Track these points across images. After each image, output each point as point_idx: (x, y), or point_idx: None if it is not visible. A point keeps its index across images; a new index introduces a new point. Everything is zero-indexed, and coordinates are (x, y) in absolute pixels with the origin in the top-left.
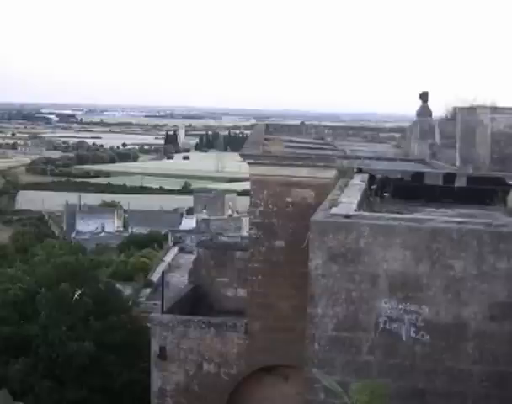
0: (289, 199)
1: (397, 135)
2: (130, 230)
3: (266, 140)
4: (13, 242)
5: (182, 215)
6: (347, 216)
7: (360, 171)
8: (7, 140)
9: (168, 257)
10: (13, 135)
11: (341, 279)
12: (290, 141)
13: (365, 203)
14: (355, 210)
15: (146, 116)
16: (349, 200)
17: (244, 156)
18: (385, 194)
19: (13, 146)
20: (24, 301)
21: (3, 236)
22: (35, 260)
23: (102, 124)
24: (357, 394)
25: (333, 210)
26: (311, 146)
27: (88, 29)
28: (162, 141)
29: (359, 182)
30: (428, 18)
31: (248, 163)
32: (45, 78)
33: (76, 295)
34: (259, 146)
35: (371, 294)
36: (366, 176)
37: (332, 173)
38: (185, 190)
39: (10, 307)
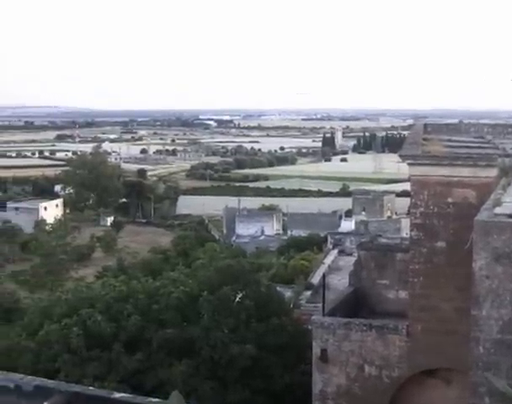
0: (450, 200)
1: None
2: (289, 233)
3: (425, 140)
4: (175, 246)
5: (341, 218)
6: (511, 216)
7: None
8: (167, 147)
9: (328, 260)
10: (173, 141)
11: (506, 281)
12: (449, 141)
13: None
14: None
15: (303, 119)
16: None
17: (404, 157)
18: None
19: (173, 152)
20: (186, 304)
21: (165, 241)
22: (197, 263)
23: (259, 128)
24: None
25: (497, 210)
26: (470, 144)
27: (241, 37)
28: (319, 144)
29: None
30: None
31: (408, 164)
32: (203, 85)
33: (237, 298)
34: (418, 146)
35: None
36: None
37: (493, 172)
38: (344, 192)
39: (173, 310)
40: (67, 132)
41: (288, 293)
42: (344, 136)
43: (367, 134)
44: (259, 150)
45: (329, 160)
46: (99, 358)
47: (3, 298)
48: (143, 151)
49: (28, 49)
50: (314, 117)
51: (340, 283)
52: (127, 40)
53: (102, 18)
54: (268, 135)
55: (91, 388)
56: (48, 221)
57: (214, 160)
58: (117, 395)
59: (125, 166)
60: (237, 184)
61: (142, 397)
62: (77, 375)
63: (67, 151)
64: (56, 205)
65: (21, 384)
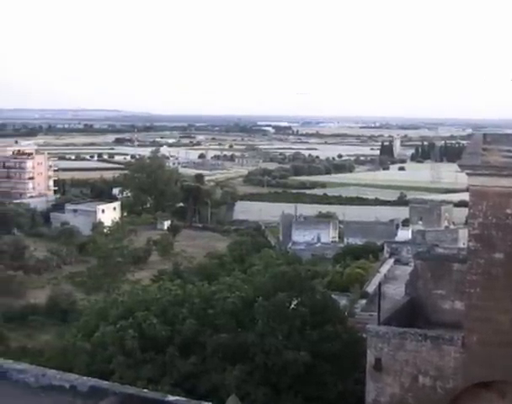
0: (509, 211)
1: None
2: (345, 240)
3: (484, 150)
4: (231, 252)
5: (397, 226)
6: None
7: None
8: (225, 152)
9: (384, 269)
10: (231, 146)
11: None
12: (509, 151)
13: None
14: None
15: (361, 127)
16: None
17: (463, 167)
18: None
19: (231, 158)
20: (241, 310)
21: (221, 246)
22: (253, 269)
23: (317, 135)
24: None
25: None
26: None
27: (300, 44)
28: (377, 152)
29: None
30: None
31: (467, 174)
32: (262, 92)
33: (292, 305)
34: (478, 156)
35: None
36: None
37: None
38: (401, 201)
39: (228, 315)
40: (126, 136)
41: (343, 301)
42: (402, 145)
43: (426, 143)
44: (317, 157)
45: (387, 168)
46: (154, 361)
47: (60, 299)
48: (201, 156)
49: (90, 54)
50: (372, 125)
51: (396, 292)
52: (188, 45)
53: (162, 24)
54: (326, 143)
55: (145, 390)
56: (105, 224)
57: (271, 166)
58: (171, 398)
59: (182, 170)
60: (294, 191)
61: (196, 401)
62: (131, 377)
63: (126, 154)
64: (114, 208)
65: (76, 384)
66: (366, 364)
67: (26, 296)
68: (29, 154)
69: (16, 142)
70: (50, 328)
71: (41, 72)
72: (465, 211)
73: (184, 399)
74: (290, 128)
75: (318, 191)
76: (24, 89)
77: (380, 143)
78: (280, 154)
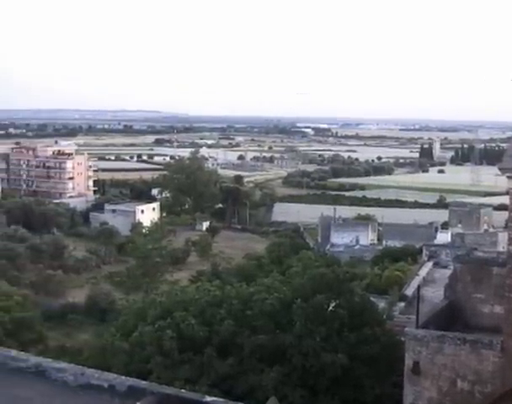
0: None
1: None
2: (384, 243)
3: None
4: (269, 253)
5: (436, 229)
6: None
7: None
8: (264, 154)
9: (423, 271)
10: (270, 148)
11: None
12: None
13: None
14: None
15: (401, 129)
16: None
17: (503, 170)
18: None
19: (270, 159)
20: (279, 311)
21: (260, 247)
22: (292, 271)
23: (357, 137)
24: None
25: None
26: None
27: (344, 47)
28: (417, 155)
29: None
30: None
31: (507, 177)
32: (299, 93)
33: (331, 307)
34: None
35: None
36: None
37: None
38: (440, 204)
39: (266, 316)
40: (166, 137)
41: (381, 303)
42: (441, 147)
43: (465, 145)
44: (356, 159)
45: (427, 171)
46: (191, 362)
47: (99, 298)
48: (240, 158)
49: (131, 55)
50: (412, 127)
51: (434, 295)
52: (227, 47)
53: (199, 28)
54: (365, 145)
55: (183, 391)
56: (144, 224)
57: (310, 168)
58: (208, 399)
59: (221, 171)
60: (333, 193)
61: (234, 402)
62: (169, 378)
63: (165, 155)
64: (153, 209)
65: (115, 383)
66: (404, 367)
67: (65, 295)
68: (69, 154)
69: (56, 142)
70: (89, 327)
71: (81, 74)
72: (504, 215)
73: (221, 400)
74: (329, 130)
75: (357, 193)
76: (65, 90)
77: (419, 146)
78: (319, 156)
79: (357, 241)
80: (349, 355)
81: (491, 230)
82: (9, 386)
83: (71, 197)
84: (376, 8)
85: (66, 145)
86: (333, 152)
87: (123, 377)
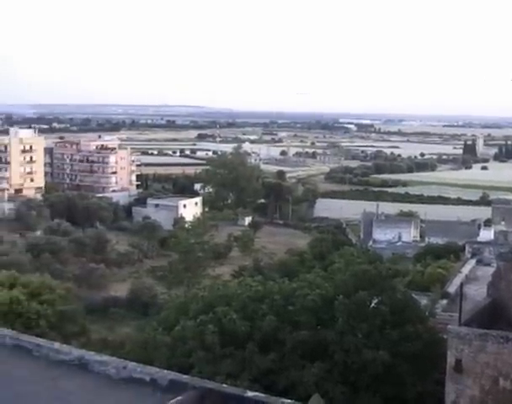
0: None
1: None
2: (426, 240)
3: None
4: (311, 249)
5: (480, 227)
6: None
7: None
8: (306, 149)
9: (466, 269)
10: (313, 144)
11: None
12: None
13: None
14: None
15: (444, 126)
16: None
17: None
18: None
19: (313, 155)
20: (321, 307)
21: (302, 243)
22: (334, 267)
23: (400, 133)
24: None
25: None
26: None
27: (391, 43)
28: (460, 151)
29: None
30: None
31: None
32: (344, 89)
33: (373, 304)
34: None
35: None
36: None
37: None
38: (483, 201)
39: (308, 312)
40: (208, 132)
41: (424, 301)
42: (485, 144)
43: (509, 142)
44: (399, 155)
45: (470, 168)
46: (233, 356)
47: (141, 292)
48: (283, 153)
49: (174, 51)
50: (455, 124)
51: (477, 293)
52: (271, 43)
53: (247, 24)
54: (408, 141)
55: (224, 385)
56: (187, 219)
57: (353, 164)
58: (250, 394)
59: (264, 167)
60: (376, 189)
61: (276, 398)
62: (211, 372)
63: (208, 150)
64: (196, 203)
65: (157, 377)
66: (446, 365)
67: (107, 289)
68: (113, 149)
69: (99, 137)
70: (131, 321)
71: (124, 69)
72: None
73: (262, 395)
74: (372, 126)
75: (400, 190)
76: (108, 85)
77: (462, 142)
78: (362, 152)
79: (399, 237)
80: (391, 352)
81: None
82: (52, 378)
83: (114, 191)
84: (421, 4)
85: (110, 139)
86: (375, 148)
87: (165, 371)
